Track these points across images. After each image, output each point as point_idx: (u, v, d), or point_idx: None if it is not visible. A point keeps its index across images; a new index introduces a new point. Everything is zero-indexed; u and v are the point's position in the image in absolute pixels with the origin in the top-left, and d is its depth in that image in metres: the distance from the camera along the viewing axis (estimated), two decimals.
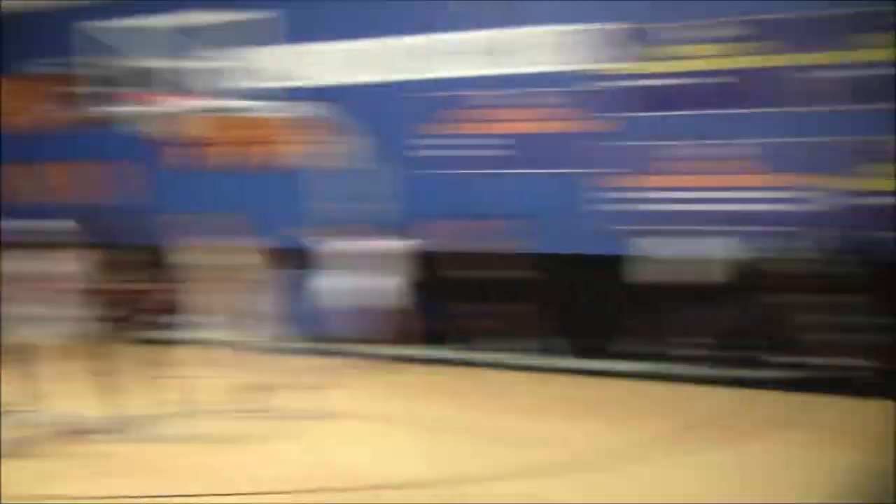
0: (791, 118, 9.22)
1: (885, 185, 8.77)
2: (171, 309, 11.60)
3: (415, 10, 10.84)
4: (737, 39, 9.47)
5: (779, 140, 9.31)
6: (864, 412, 7.03)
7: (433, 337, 10.32)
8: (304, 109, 10.10)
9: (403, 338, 8.47)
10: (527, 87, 10.35)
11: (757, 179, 9.38)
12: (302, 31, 11.41)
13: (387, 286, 8.26)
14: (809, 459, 5.74)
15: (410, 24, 10.87)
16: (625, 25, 9.90)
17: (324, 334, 8.77)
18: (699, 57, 9.61)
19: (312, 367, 8.16)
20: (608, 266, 9.51)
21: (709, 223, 9.38)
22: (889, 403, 6.96)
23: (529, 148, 10.37)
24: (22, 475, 5.06)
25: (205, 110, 9.87)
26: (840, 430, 6.57)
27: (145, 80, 9.30)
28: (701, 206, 9.47)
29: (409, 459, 5.46)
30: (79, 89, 12.70)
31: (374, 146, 10.76)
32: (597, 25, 10.04)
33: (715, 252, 8.37)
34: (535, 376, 8.57)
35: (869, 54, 8.89)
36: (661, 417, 6.88)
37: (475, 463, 5.39)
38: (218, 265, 6.21)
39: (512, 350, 9.11)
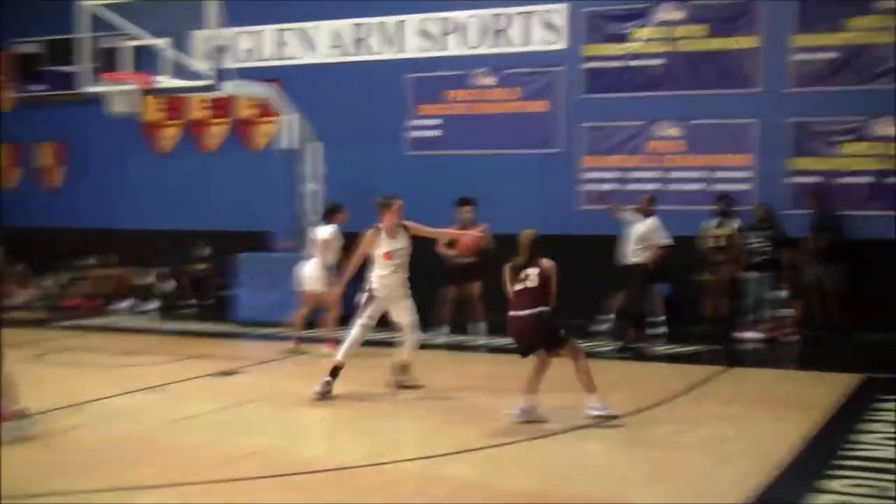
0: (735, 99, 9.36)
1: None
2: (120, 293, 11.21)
3: None
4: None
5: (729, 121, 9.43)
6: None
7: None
8: (260, 90, 9.72)
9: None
10: (504, 69, 10.24)
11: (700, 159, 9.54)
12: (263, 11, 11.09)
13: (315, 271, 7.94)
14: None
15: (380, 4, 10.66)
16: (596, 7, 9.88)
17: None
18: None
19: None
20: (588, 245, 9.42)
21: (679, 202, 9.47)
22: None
23: (508, 129, 10.25)
24: None
25: (164, 90, 9.45)
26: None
27: (112, 59, 8.87)
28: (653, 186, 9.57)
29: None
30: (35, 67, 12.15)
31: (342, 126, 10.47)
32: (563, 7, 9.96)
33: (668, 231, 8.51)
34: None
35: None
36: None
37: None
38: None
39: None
